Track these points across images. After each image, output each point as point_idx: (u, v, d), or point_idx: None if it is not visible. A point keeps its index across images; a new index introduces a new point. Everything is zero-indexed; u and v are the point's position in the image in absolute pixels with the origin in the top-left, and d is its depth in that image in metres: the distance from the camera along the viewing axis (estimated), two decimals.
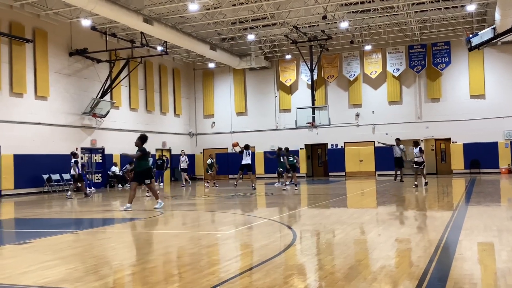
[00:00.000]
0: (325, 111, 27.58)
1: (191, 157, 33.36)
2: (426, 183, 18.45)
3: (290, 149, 21.47)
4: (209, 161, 25.03)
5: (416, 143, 18.26)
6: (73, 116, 23.76)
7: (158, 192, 13.61)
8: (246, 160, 19.84)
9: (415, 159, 18.02)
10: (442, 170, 29.34)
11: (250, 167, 20.18)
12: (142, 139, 12.94)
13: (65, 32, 23.50)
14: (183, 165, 25.76)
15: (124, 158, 24.23)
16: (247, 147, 19.95)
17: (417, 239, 7.61)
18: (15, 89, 20.83)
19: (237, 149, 20.06)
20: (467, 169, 27.85)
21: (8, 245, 8.20)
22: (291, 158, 20.13)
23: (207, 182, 24.24)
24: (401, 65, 29.04)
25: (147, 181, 12.73)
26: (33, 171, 21.09)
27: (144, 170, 12.77)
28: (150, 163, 16.01)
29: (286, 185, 20.28)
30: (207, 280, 5.07)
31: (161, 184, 25.76)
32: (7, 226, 11.38)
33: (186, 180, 26.12)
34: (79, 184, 18.57)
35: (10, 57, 20.74)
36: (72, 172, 18.58)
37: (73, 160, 18.28)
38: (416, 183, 17.90)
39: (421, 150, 17.94)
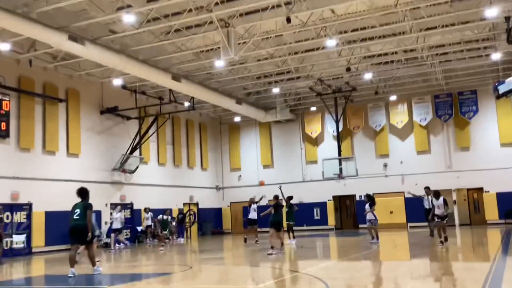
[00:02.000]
0: (352, 162, 27.33)
1: (218, 211, 33.23)
2: (445, 239, 15.20)
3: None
4: (163, 217, 22.23)
5: (437, 193, 15.78)
6: (103, 172, 24.16)
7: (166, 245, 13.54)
8: (252, 215, 20.13)
9: (437, 212, 15.61)
10: (476, 220, 28.45)
11: (255, 222, 20.14)
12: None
13: (96, 91, 24.30)
14: (116, 224, 21.16)
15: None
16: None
17: None
18: (47, 147, 21.39)
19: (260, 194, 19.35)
20: (502, 219, 26.93)
21: None
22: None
23: (162, 245, 19.88)
24: (428, 114, 28.88)
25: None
26: (64, 228, 21.06)
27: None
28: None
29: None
30: None
31: (181, 239, 25.60)
32: (37, 283, 11.40)
33: (119, 242, 22.19)
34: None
35: (44, 116, 21.42)
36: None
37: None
38: (442, 239, 15.14)
39: (445, 202, 15.56)
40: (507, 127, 27.49)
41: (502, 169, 26.92)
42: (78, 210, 11.05)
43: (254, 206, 20.38)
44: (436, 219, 15.55)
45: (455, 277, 8.82)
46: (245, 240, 20.13)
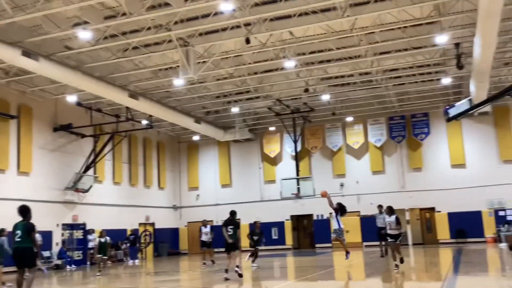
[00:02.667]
0: (309, 181, 27.60)
1: (175, 231, 32.74)
2: (401, 260, 13.95)
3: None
4: (100, 239, 18.60)
5: (390, 209, 14.31)
6: (55, 191, 23.41)
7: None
8: (203, 238, 20.08)
9: (389, 231, 14.18)
10: (428, 240, 29.13)
11: (207, 244, 20.12)
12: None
13: (50, 108, 23.66)
14: (91, 244, 22.16)
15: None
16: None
17: None
18: None
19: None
20: (453, 238, 27.70)
21: None
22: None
23: (99, 270, 17.66)
24: (382, 135, 29.61)
25: None
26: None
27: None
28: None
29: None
30: None
31: (134, 261, 25.01)
32: None
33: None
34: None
35: None
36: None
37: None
38: (396, 262, 13.76)
39: (397, 221, 14.05)
40: (457, 149, 28.47)
41: (453, 189, 27.78)
42: (19, 232, 10.18)
43: (205, 229, 20.29)
44: (389, 239, 14.17)
45: None
46: (204, 263, 19.77)
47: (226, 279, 13.08)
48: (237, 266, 13.28)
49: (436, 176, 28.58)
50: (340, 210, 14.42)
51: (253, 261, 17.42)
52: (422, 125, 29.08)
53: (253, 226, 18.21)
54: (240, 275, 13.13)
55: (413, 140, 29.27)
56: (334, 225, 14.58)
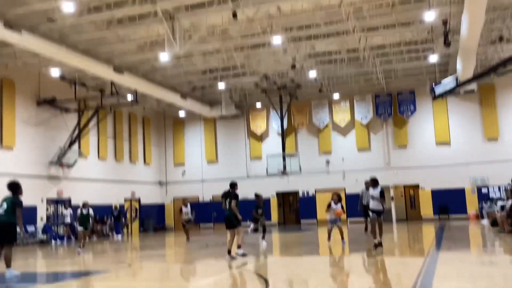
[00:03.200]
0: (295, 158, 27.69)
1: (161, 207, 32.79)
2: (379, 244, 12.58)
3: (263, 196, 17.90)
4: (82, 210, 16.58)
5: (375, 181, 12.90)
6: (39, 166, 23.19)
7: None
8: (185, 217, 19.82)
9: (372, 206, 12.80)
10: (412, 216, 29.57)
11: (189, 221, 20.02)
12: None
13: (33, 81, 23.26)
14: (67, 219, 22.71)
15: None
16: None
17: (391, 286, 7.53)
18: None
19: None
20: (436, 215, 28.15)
21: None
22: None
23: (80, 246, 15.87)
24: (369, 113, 29.70)
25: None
26: None
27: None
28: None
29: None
30: None
31: (119, 236, 25.05)
32: None
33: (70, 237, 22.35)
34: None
35: None
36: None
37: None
38: (376, 241, 12.67)
39: (382, 193, 12.66)
40: (442, 127, 28.71)
41: (437, 166, 28.11)
42: (5, 205, 10.26)
43: (185, 209, 20.05)
44: (371, 214, 12.84)
45: (390, 271, 9.10)
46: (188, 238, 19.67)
47: (232, 258, 11.45)
48: (238, 246, 11.70)
49: (421, 153, 28.87)
50: (340, 198, 14.48)
51: (263, 237, 15.81)
52: (408, 103, 29.21)
53: (256, 200, 16.51)
54: (233, 258, 11.38)
55: (399, 118, 29.42)
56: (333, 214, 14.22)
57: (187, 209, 20.04)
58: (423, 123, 29.12)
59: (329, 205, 14.63)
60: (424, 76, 27.69)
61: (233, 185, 12.75)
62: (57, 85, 23.69)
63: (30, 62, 21.91)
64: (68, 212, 22.80)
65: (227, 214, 12.11)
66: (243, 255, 11.32)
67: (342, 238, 14.31)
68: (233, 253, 11.63)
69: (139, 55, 22.01)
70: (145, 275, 10.61)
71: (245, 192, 29.58)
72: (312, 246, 15.69)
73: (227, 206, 12.10)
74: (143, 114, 31.88)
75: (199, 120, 32.85)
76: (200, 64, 24.34)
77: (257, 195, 16.57)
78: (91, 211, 16.71)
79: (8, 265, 10.13)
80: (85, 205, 16.49)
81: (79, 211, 16.58)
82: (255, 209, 16.22)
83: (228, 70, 25.53)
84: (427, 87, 26.98)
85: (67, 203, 23.60)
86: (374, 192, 12.64)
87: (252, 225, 16.86)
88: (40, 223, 22.68)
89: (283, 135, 28.96)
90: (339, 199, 14.64)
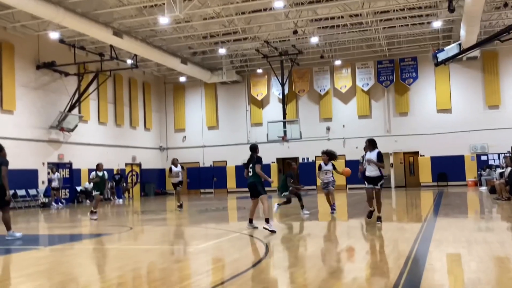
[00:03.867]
0: (296, 125, 27.70)
1: (161, 172, 32.99)
2: (378, 218, 10.92)
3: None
4: (97, 173, 15.01)
5: (372, 143, 11.07)
6: (40, 130, 23.23)
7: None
8: (175, 179, 17.29)
9: (368, 173, 10.95)
10: (411, 183, 29.80)
11: (179, 183, 17.41)
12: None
13: (32, 45, 23.05)
14: (55, 183, 22.49)
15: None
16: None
17: (388, 251, 7.65)
18: None
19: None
20: (434, 182, 28.35)
21: None
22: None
23: (92, 211, 14.59)
24: (370, 79, 29.53)
25: None
26: None
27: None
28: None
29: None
30: None
31: (120, 200, 25.32)
32: None
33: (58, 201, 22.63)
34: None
35: None
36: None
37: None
38: (371, 209, 11.24)
39: (379, 157, 10.77)
40: (444, 94, 28.60)
41: (437, 134, 28.16)
42: None
43: (175, 169, 17.30)
44: (368, 184, 10.97)
45: (388, 236, 9.22)
46: (181, 206, 17.47)
47: (254, 227, 10.48)
48: (266, 221, 9.89)
49: (421, 120, 28.86)
50: (330, 157, 13.66)
51: (302, 207, 14.18)
52: (411, 70, 29.01)
53: (288, 168, 15.02)
54: (273, 231, 9.73)
55: (400, 85, 29.27)
56: (327, 178, 13.64)
57: (177, 169, 17.28)
58: (425, 90, 28.99)
59: (319, 167, 13.93)
60: (427, 42, 27.40)
61: (254, 148, 10.88)
62: (56, 48, 23.49)
63: (29, 24, 21.66)
64: (55, 176, 22.61)
65: (250, 181, 10.52)
66: (272, 232, 9.67)
67: (333, 205, 13.78)
68: (260, 226, 10.20)
69: (138, 19, 21.75)
70: (146, 238, 10.77)
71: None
72: (311, 211, 15.85)
73: (251, 173, 10.54)
74: (143, 79, 31.71)
75: (200, 85, 32.70)
76: (201, 28, 24.07)
77: (288, 163, 15.39)
78: (106, 174, 15.47)
79: (8, 227, 10.15)
80: (100, 168, 15.00)
81: (93, 173, 15.08)
82: (287, 178, 14.41)
83: (229, 35, 25.25)
84: (429, 54, 26.72)
85: (54, 167, 23.27)
86: (371, 155, 10.84)
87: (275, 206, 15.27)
88: (42, 187, 22.88)
89: (284, 101, 28.88)
90: (329, 159, 13.83)
